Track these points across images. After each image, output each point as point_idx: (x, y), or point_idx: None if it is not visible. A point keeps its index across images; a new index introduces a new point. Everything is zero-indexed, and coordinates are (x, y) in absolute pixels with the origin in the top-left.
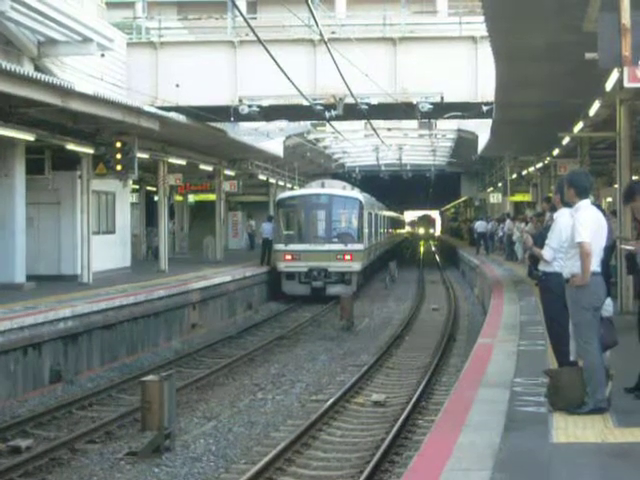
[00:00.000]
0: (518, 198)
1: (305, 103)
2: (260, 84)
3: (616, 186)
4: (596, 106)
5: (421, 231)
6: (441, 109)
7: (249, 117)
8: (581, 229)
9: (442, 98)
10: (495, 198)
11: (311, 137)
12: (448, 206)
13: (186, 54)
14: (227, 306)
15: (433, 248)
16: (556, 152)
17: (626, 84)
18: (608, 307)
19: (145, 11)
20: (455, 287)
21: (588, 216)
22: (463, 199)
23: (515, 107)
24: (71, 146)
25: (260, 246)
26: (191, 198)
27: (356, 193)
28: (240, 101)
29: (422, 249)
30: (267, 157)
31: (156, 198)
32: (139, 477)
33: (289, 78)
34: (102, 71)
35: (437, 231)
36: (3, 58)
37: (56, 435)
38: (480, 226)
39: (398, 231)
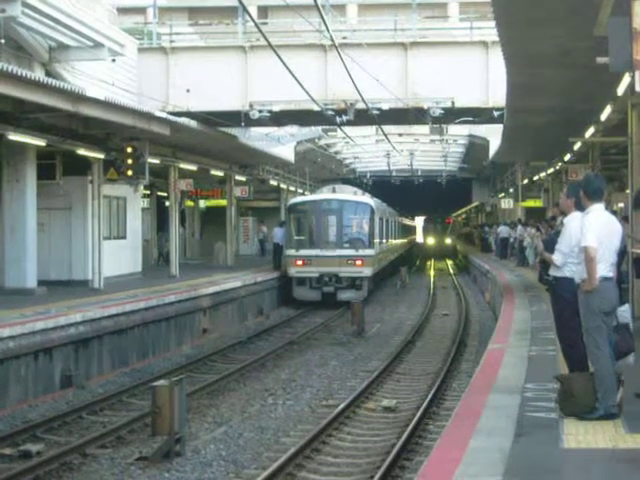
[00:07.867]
0: (529, 204)
1: (316, 108)
2: (271, 89)
3: (628, 191)
4: (607, 111)
5: (430, 242)
6: (452, 114)
7: (260, 122)
8: (586, 232)
9: (453, 103)
10: (507, 204)
11: (322, 142)
12: (459, 212)
13: (197, 59)
14: (238, 311)
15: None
16: (567, 157)
17: (637, 88)
18: (625, 313)
19: (156, 17)
20: (466, 292)
21: (594, 220)
22: (474, 204)
23: (526, 112)
24: (82, 151)
25: (271, 252)
26: (202, 204)
27: (367, 198)
28: (251, 106)
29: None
30: (278, 163)
31: (167, 203)
32: None
33: (300, 83)
34: (113, 76)
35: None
36: (14, 63)
37: (67, 440)
38: (503, 231)
39: (409, 237)
